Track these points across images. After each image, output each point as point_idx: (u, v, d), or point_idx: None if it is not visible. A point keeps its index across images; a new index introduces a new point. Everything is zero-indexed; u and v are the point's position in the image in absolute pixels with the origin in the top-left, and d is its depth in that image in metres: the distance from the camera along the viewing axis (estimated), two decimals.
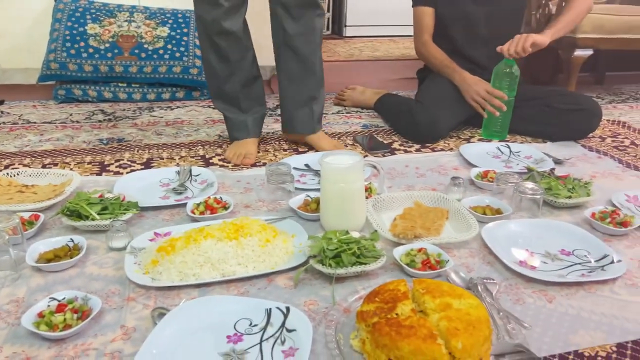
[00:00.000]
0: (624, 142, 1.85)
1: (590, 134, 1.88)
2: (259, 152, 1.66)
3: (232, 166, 1.55)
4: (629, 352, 0.82)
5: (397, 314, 0.79)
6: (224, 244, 1.01)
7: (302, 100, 1.64)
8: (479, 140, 1.83)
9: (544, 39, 1.67)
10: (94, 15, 2.26)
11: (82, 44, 2.20)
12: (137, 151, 1.66)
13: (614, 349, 0.82)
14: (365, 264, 0.98)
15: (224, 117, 1.68)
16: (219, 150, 1.68)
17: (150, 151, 1.67)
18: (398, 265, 1.02)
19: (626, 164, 1.62)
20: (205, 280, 0.96)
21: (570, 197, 1.27)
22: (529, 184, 1.25)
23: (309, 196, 1.28)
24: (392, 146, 1.76)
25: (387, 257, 1.02)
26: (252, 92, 1.63)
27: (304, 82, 1.62)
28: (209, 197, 1.25)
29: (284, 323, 0.85)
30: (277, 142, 1.78)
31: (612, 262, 1.03)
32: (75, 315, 0.85)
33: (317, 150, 1.66)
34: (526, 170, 1.46)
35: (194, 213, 1.20)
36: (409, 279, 0.95)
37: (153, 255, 1.01)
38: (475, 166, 1.51)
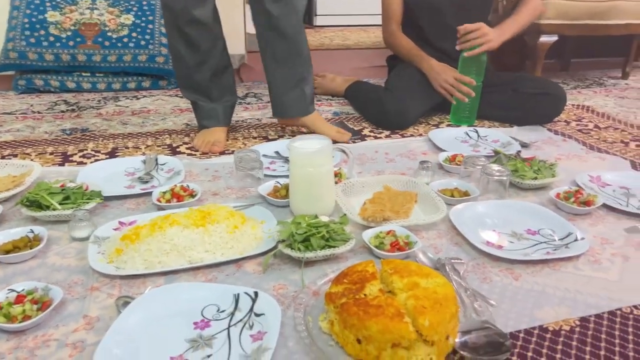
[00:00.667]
0: (587, 125, 1.89)
1: (556, 118, 1.91)
2: (227, 140, 1.63)
3: (200, 154, 1.52)
4: (591, 325, 0.83)
5: (365, 295, 0.79)
6: (191, 231, 0.99)
7: (292, 83, 1.59)
8: (448, 125, 1.85)
9: (493, 45, 1.72)
10: (54, 3, 2.19)
11: (42, 32, 2.12)
12: (102, 141, 1.62)
13: (577, 322, 0.84)
14: (334, 247, 0.97)
15: (193, 105, 1.64)
16: (186, 139, 1.65)
17: (115, 141, 1.62)
18: (367, 247, 1.02)
19: (589, 147, 1.66)
20: (172, 267, 0.95)
21: (535, 178, 1.29)
22: (496, 166, 1.26)
23: (278, 183, 1.26)
24: (362, 132, 1.75)
25: (357, 240, 1.02)
26: (222, 81, 1.60)
27: (292, 64, 1.57)
28: (176, 185, 1.22)
29: (252, 308, 0.84)
30: (246, 130, 1.76)
31: (576, 240, 1.05)
32: (35, 306, 0.82)
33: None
34: (493, 154, 1.48)
35: (160, 201, 1.18)
36: (378, 260, 0.95)
37: (117, 244, 0.98)
38: (444, 151, 1.52)
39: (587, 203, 1.19)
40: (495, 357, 0.73)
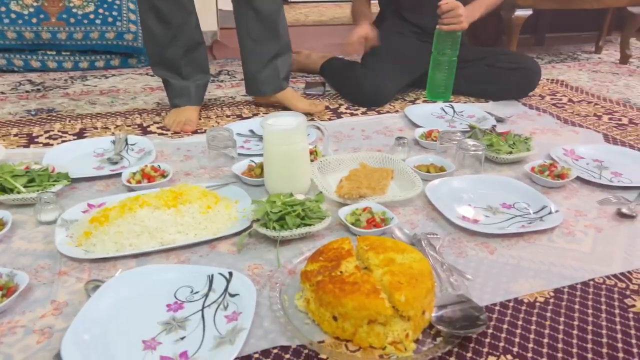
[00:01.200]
0: (561, 99, 1.90)
1: (531, 93, 1.92)
2: (200, 119, 1.59)
3: (172, 134, 1.48)
4: (565, 296, 0.84)
5: (341, 272, 0.78)
6: (162, 212, 0.97)
7: (266, 60, 1.58)
8: (424, 101, 1.84)
9: (464, 26, 1.70)
10: None
11: (3, 8, 2.03)
12: (69, 122, 1.56)
13: (552, 294, 0.85)
14: (310, 225, 0.96)
15: (164, 83, 1.59)
16: (157, 118, 1.61)
17: (83, 121, 1.57)
18: (343, 225, 1.01)
19: (564, 120, 1.67)
20: (143, 250, 0.92)
21: (511, 152, 1.30)
22: (471, 141, 1.26)
23: (253, 161, 1.24)
24: (339, 110, 1.73)
25: (333, 217, 1.01)
26: (194, 58, 1.56)
27: (267, 43, 1.56)
28: (146, 166, 1.19)
29: (226, 288, 0.83)
30: (219, 109, 1.72)
31: (550, 212, 1.06)
32: (0, 292, 0.79)
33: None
34: (469, 129, 1.48)
35: (130, 182, 1.14)
36: (355, 238, 0.94)
37: (86, 227, 0.95)
38: (420, 127, 1.51)
39: (561, 176, 1.20)
40: (471, 331, 0.73)
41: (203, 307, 0.80)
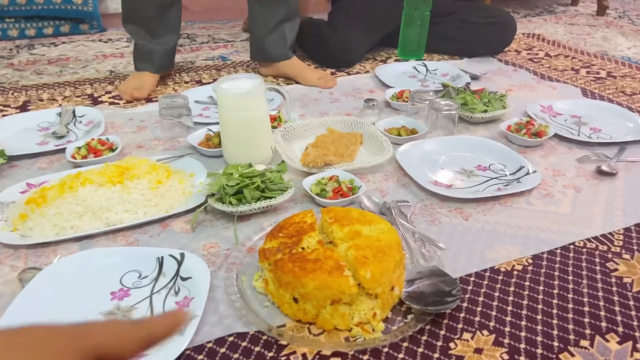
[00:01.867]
0: (538, 54, 1.83)
1: (506, 48, 1.84)
2: (157, 87, 1.48)
3: (124, 103, 1.37)
4: (544, 262, 0.79)
5: (302, 248, 0.71)
6: (106, 190, 0.88)
7: (273, 23, 1.50)
8: (396, 60, 1.75)
9: None
10: None
11: None
12: (12, 94, 1.44)
13: (530, 261, 0.79)
14: (270, 198, 0.88)
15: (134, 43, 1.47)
16: (109, 88, 1.49)
17: (28, 93, 1.44)
18: (308, 196, 0.93)
19: (540, 76, 1.60)
20: (86, 232, 0.83)
21: (486, 111, 1.23)
22: (444, 100, 1.18)
23: (210, 130, 1.15)
24: None
25: (297, 189, 0.93)
26: (167, 17, 1.43)
27: (275, 6, 1.48)
28: (93, 139, 1.09)
29: (177, 271, 0.75)
30: (177, 75, 1.60)
31: (528, 173, 1.00)
32: None
33: (301, 84, 1.53)
34: (442, 88, 1.40)
35: (74, 158, 1.04)
36: (320, 210, 0.87)
37: (21, 209, 0.86)
38: (391, 87, 1.43)
39: (538, 134, 1.14)
40: (442, 307, 0.67)
41: (151, 294, 0.73)
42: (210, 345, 0.65)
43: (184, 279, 0.74)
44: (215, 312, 0.69)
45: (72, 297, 0.71)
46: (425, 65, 1.64)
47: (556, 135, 1.16)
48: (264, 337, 0.66)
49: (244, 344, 0.65)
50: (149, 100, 1.39)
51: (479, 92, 1.28)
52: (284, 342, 0.64)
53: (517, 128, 1.16)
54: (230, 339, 0.66)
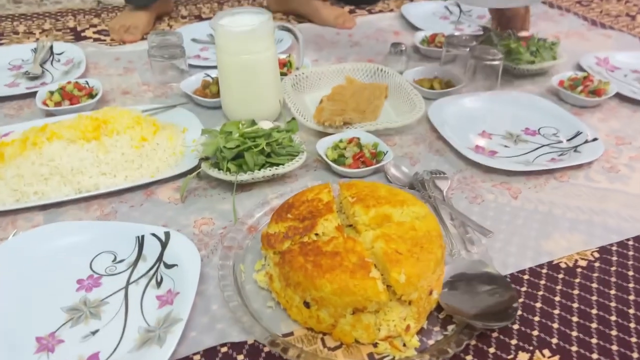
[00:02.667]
0: None
1: None
2: (153, 26, 1.28)
3: (110, 40, 1.19)
4: (614, 258, 0.64)
5: (316, 235, 0.56)
6: (79, 148, 0.72)
7: None
8: None
9: None
10: None
11: None
12: None
13: (596, 255, 0.64)
14: (278, 164, 0.72)
15: None
16: (95, 21, 1.30)
17: (2, 25, 1.26)
18: (323, 162, 0.77)
19: (591, 22, 1.39)
20: (54, 199, 0.69)
21: (533, 61, 1.04)
22: (486, 48, 0.99)
23: (208, 76, 0.97)
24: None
25: (310, 153, 0.77)
26: None
27: None
28: (69, 82, 0.92)
29: (161, 256, 0.61)
30: (174, 8, 1.40)
31: (587, 141, 0.83)
32: None
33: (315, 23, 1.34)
34: (481, 31, 1.20)
35: (46, 105, 0.88)
36: (337, 180, 0.71)
37: None
38: (420, 30, 1.24)
39: (597, 92, 0.95)
40: (496, 324, 0.52)
41: (128, 284, 0.59)
42: (197, 358, 0.51)
43: (168, 266, 0.60)
44: (206, 313, 0.55)
45: (28, 286, 0.57)
46: (459, 5, 1.43)
47: (617, 95, 0.98)
48: (266, 349, 0.52)
49: (240, 357, 0.51)
50: (142, 37, 1.21)
51: (526, 39, 1.08)
52: (290, 359, 0.50)
53: (572, 84, 0.98)
54: (223, 350, 0.52)
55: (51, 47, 1.09)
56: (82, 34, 1.22)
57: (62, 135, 0.72)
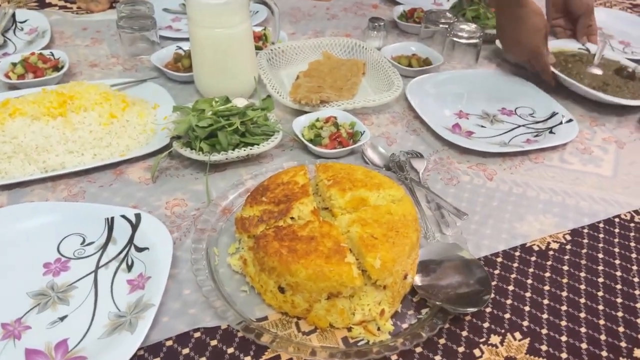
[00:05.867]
0: None
1: None
2: None
3: (77, 8, 1.13)
4: (585, 240, 0.65)
5: (292, 219, 0.55)
6: (43, 125, 0.69)
7: None
8: None
9: None
10: None
11: None
12: None
13: (568, 237, 0.65)
14: (253, 144, 0.71)
15: None
16: None
17: None
18: (299, 142, 0.76)
19: None
20: (17, 178, 0.66)
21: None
22: (465, 25, 0.98)
23: (180, 48, 0.94)
24: None
25: (286, 132, 0.76)
26: None
27: None
28: (33, 53, 0.87)
29: (131, 238, 0.59)
30: None
31: (561, 122, 0.83)
32: None
33: None
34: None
35: (8, 78, 0.84)
36: (314, 161, 0.70)
37: None
38: (399, 3, 1.21)
39: None
40: (468, 309, 0.53)
41: (97, 268, 0.57)
42: (169, 343, 0.50)
43: (139, 249, 0.58)
44: (178, 298, 0.54)
45: None
46: None
47: None
48: (240, 334, 0.51)
49: (214, 342, 0.51)
50: (110, 6, 1.15)
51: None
52: (264, 344, 0.50)
53: None
54: (196, 335, 0.51)
55: (13, 15, 1.03)
56: (47, 1, 1.16)
57: (25, 112, 0.69)
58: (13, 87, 0.84)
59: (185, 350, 0.50)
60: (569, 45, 1.01)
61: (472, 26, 0.97)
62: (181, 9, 1.13)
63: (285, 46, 0.96)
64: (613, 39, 1.08)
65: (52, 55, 0.89)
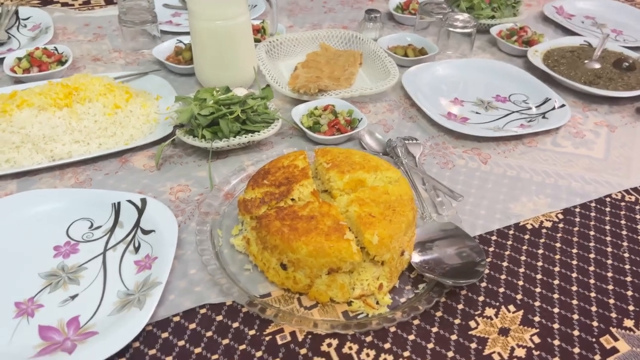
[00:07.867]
0: None
1: None
2: None
3: (80, 5, 1.15)
4: (577, 219, 0.67)
5: (292, 200, 0.57)
6: (50, 115, 0.71)
7: None
8: None
9: None
10: None
11: None
12: None
13: (560, 216, 0.67)
14: (253, 131, 0.73)
15: None
16: None
17: None
18: (298, 129, 0.78)
19: None
20: (26, 167, 0.68)
21: (493, 16, 1.09)
22: (459, 15, 1.00)
23: (181, 42, 0.96)
24: None
25: (285, 120, 0.78)
26: None
27: None
28: (37, 48, 0.89)
29: (138, 222, 0.61)
30: None
31: (554, 108, 0.85)
32: None
33: None
34: None
35: (14, 71, 0.86)
36: (313, 148, 0.72)
37: None
38: None
39: (530, 42, 1.02)
40: (465, 282, 0.55)
41: (105, 250, 0.59)
42: (177, 319, 0.53)
43: (145, 232, 0.60)
44: (184, 277, 0.57)
45: (5, 252, 0.57)
46: None
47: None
48: (244, 310, 0.54)
49: (219, 318, 0.53)
50: (110, 1, 1.17)
51: None
52: (268, 318, 0.52)
53: (509, 34, 1.04)
54: (202, 311, 0.53)
55: (16, 12, 1.05)
56: None
57: (32, 103, 0.71)
58: (19, 81, 0.86)
59: (192, 325, 0.52)
60: (571, 41, 1.02)
61: (466, 16, 0.99)
62: (181, 4, 1.16)
63: (283, 38, 0.98)
64: (606, 27, 1.10)
65: (56, 49, 0.91)
